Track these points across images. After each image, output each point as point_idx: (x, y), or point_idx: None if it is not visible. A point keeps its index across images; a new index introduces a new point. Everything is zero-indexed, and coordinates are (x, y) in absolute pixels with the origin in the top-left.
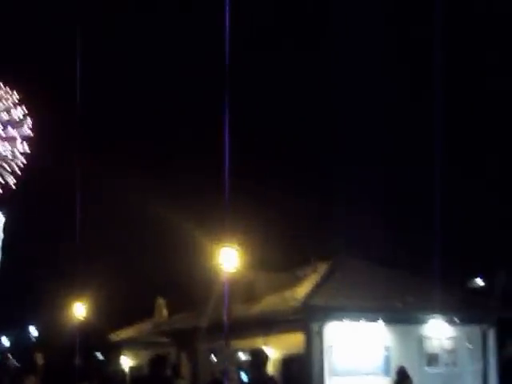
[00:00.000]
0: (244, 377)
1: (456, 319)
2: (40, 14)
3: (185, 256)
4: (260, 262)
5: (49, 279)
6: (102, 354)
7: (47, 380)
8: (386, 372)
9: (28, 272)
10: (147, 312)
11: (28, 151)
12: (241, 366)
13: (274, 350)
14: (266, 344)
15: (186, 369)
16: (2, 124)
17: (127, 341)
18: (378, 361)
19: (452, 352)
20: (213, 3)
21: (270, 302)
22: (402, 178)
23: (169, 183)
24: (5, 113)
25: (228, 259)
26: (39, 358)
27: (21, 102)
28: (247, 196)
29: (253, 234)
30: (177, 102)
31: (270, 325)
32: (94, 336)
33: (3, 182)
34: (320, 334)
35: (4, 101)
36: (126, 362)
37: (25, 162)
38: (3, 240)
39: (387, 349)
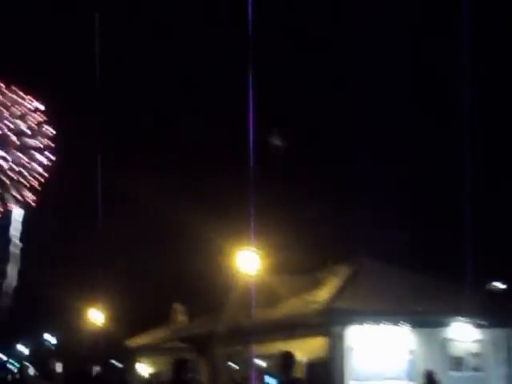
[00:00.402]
0: (270, 380)
1: (481, 322)
2: (58, 20)
3: (203, 260)
4: (280, 264)
5: (66, 286)
6: (119, 360)
7: None
8: (410, 376)
9: (46, 280)
10: (164, 318)
11: (46, 162)
12: (267, 370)
13: (296, 355)
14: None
15: (204, 374)
16: (16, 133)
17: (144, 347)
18: (402, 365)
19: (477, 356)
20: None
21: (290, 306)
22: (424, 180)
23: (189, 186)
24: (19, 120)
25: (248, 262)
26: (57, 366)
27: (37, 109)
28: (268, 198)
29: (273, 236)
30: (200, 105)
31: (291, 329)
32: (111, 343)
33: (21, 198)
34: (342, 337)
35: (18, 107)
36: (144, 369)
37: (44, 173)
38: (21, 232)
39: (411, 352)
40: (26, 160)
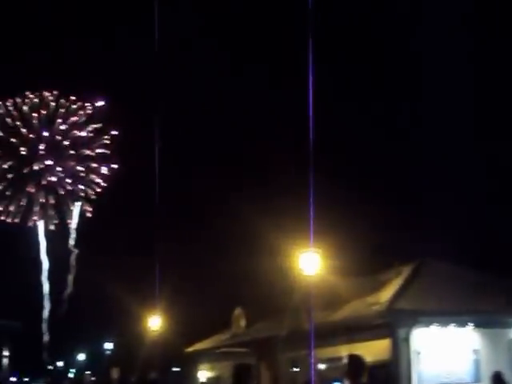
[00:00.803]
0: None
1: None
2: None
3: (264, 264)
4: (342, 266)
5: (124, 293)
6: (178, 366)
7: None
8: (477, 379)
9: (103, 287)
10: (225, 323)
11: (105, 172)
12: (327, 374)
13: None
14: (350, 352)
15: (265, 379)
16: (74, 142)
17: (204, 352)
18: (467, 367)
19: None
20: None
21: (352, 308)
22: (488, 179)
23: (249, 189)
24: (77, 130)
25: (310, 264)
26: (115, 373)
27: (94, 118)
28: (329, 199)
29: (334, 237)
30: (263, 110)
31: (354, 332)
32: (170, 349)
33: (79, 208)
34: (407, 339)
35: (76, 116)
36: (203, 374)
37: (102, 183)
38: (78, 224)
39: (477, 354)
40: (84, 170)
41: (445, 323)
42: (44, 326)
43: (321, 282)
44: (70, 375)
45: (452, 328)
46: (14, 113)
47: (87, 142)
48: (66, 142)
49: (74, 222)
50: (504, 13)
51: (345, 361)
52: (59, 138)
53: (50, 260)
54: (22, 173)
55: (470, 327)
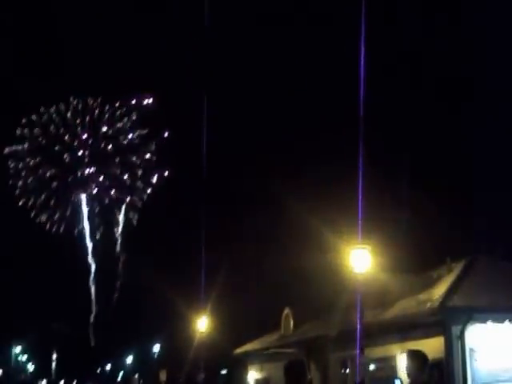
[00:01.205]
0: None
1: None
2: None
3: (312, 260)
4: (392, 263)
5: (171, 295)
6: (226, 368)
7: None
8: None
9: (149, 290)
10: (274, 324)
11: (152, 180)
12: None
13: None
14: (403, 351)
15: (315, 381)
16: (120, 149)
17: (252, 353)
18: None
19: None
20: None
21: (404, 306)
22: None
23: (297, 184)
24: (123, 136)
25: (359, 261)
26: (162, 375)
27: (139, 125)
28: (380, 194)
29: (384, 234)
30: (312, 106)
31: (406, 330)
32: (217, 350)
33: (124, 218)
34: (461, 337)
35: (121, 123)
36: (252, 376)
37: (149, 190)
38: (124, 229)
39: None
40: (129, 177)
41: (500, 319)
42: (92, 330)
43: (371, 279)
44: (119, 378)
45: (507, 324)
46: (58, 120)
47: (133, 149)
48: (111, 149)
49: (119, 229)
50: None
51: (407, 357)
52: (104, 144)
53: (97, 265)
54: (66, 181)
55: None
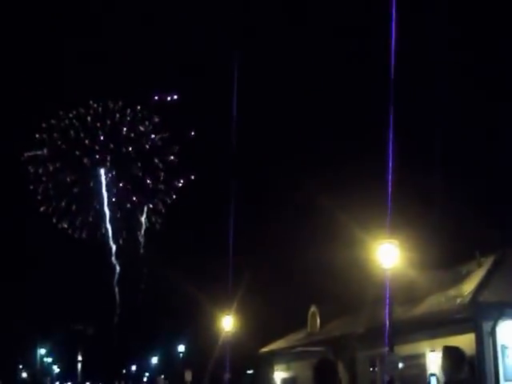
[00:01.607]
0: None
1: None
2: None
3: (339, 255)
4: (420, 258)
5: (196, 294)
6: (252, 367)
7: None
8: None
9: (174, 290)
10: (300, 322)
11: (176, 183)
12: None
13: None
14: (432, 348)
15: (343, 380)
16: (141, 153)
17: (279, 352)
18: None
19: None
20: None
21: (433, 302)
22: None
23: (323, 179)
24: (145, 139)
25: (387, 256)
26: (188, 375)
27: (161, 128)
28: (407, 188)
29: (412, 228)
30: (340, 102)
31: (436, 327)
32: (243, 349)
33: (146, 221)
34: (492, 333)
35: (142, 126)
36: (278, 375)
37: (173, 194)
38: (147, 224)
39: None
40: (152, 182)
41: None
42: (116, 331)
43: (399, 275)
44: (144, 379)
45: None
46: (78, 124)
47: (155, 152)
48: (133, 152)
49: (142, 231)
50: None
51: (443, 353)
52: (125, 149)
53: (120, 266)
54: (88, 186)
55: None
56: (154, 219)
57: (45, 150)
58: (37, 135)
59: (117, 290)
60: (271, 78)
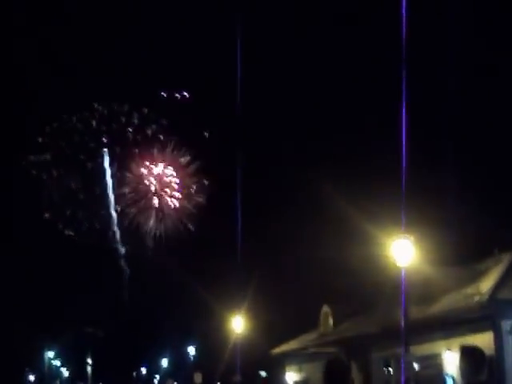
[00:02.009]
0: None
1: None
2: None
3: (352, 252)
4: (436, 255)
5: (206, 295)
6: (263, 369)
7: None
8: None
9: (185, 291)
10: (312, 322)
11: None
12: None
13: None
14: (449, 348)
15: (356, 381)
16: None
17: (291, 354)
18: None
19: None
20: None
21: (449, 301)
22: None
23: (339, 176)
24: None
25: (402, 253)
26: (197, 377)
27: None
28: (422, 183)
29: (428, 224)
30: (353, 96)
31: (452, 326)
32: (254, 351)
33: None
34: None
35: (150, 130)
36: (291, 377)
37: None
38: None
39: None
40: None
41: None
42: (126, 333)
43: (414, 272)
44: (155, 381)
45: None
46: (82, 127)
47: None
48: (139, 155)
49: (151, 234)
50: None
51: (461, 354)
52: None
53: (129, 268)
54: (93, 192)
55: None
56: (161, 224)
57: (48, 155)
58: (39, 139)
59: (126, 292)
60: (278, 73)
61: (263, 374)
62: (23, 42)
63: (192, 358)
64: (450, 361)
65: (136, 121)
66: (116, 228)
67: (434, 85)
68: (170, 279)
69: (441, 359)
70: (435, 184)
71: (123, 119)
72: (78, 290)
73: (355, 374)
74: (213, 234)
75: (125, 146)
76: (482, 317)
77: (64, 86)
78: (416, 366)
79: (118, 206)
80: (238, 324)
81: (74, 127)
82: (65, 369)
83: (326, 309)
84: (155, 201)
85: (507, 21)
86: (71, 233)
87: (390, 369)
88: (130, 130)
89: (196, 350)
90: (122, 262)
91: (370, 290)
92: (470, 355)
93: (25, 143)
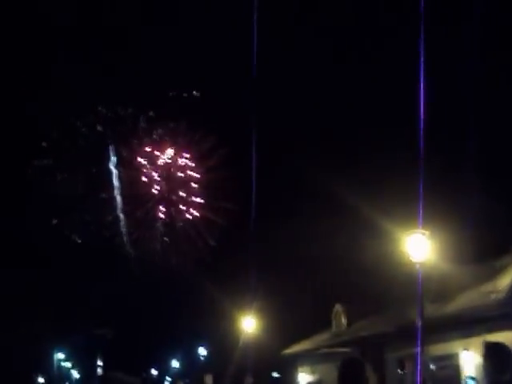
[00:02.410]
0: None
1: None
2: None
3: (366, 249)
4: (452, 253)
5: (218, 295)
6: (275, 370)
7: None
8: None
9: (195, 291)
10: (325, 322)
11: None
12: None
13: (477, 355)
14: (466, 348)
15: (371, 382)
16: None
17: (303, 354)
18: None
19: None
20: None
21: (466, 299)
22: None
23: (352, 171)
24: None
25: (417, 249)
26: (208, 379)
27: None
28: (438, 179)
29: (444, 219)
30: (369, 93)
31: (469, 325)
32: (266, 352)
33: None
34: None
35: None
36: (303, 378)
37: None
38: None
39: None
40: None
41: None
42: (136, 334)
43: (430, 269)
44: (166, 383)
45: None
46: (86, 131)
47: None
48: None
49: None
50: None
51: (487, 351)
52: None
53: (139, 269)
54: (101, 197)
55: None
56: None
57: (51, 160)
58: (44, 144)
59: (136, 293)
60: (292, 72)
61: (275, 375)
62: (21, 40)
63: (203, 358)
64: (468, 360)
65: (143, 123)
66: (124, 230)
67: (453, 77)
68: (180, 280)
69: (458, 359)
70: (452, 179)
71: (129, 122)
72: (87, 292)
73: (370, 375)
74: (223, 234)
75: (131, 148)
76: (500, 315)
77: (67, 89)
78: (432, 366)
79: (125, 209)
80: (248, 324)
81: (79, 131)
82: (75, 371)
83: (338, 308)
84: (161, 209)
85: None
86: (79, 236)
87: (405, 370)
88: (139, 129)
89: (207, 351)
90: (132, 263)
91: (384, 287)
92: (494, 352)
93: (29, 148)
